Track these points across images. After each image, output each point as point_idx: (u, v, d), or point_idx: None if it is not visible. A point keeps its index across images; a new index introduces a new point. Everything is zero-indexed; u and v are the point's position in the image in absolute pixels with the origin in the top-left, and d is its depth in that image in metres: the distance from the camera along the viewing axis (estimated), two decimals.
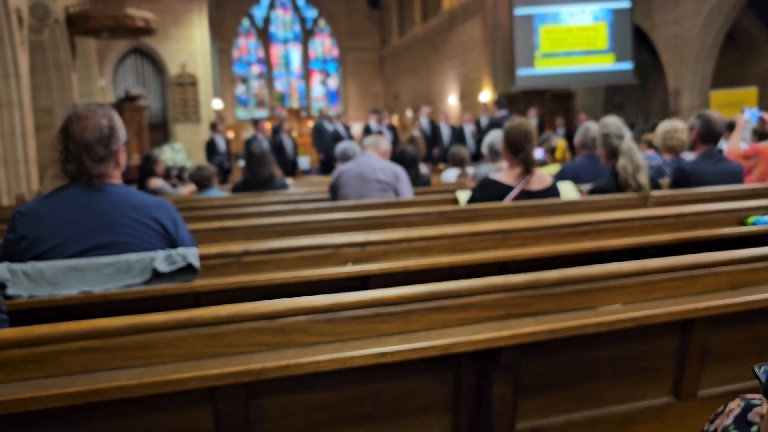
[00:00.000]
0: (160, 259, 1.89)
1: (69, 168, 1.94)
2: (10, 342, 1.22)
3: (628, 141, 3.31)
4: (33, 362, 1.22)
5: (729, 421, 1.14)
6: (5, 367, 1.21)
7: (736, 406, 1.15)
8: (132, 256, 1.88)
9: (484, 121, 11.27)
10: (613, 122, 3.47)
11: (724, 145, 4.72)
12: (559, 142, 5.26)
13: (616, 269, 1.62)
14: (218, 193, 5.37)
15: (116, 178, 2.02)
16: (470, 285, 1.48)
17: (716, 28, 11.58)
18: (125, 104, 10.31)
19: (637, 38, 13.00)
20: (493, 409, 1.48)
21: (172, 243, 2.02)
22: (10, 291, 1.78)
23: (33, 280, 1.82)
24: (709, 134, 3.57)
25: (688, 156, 4.10)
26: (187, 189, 6.19)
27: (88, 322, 1.26)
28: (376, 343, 1.34)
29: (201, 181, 5.30)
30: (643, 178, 3.25)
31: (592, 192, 3.50)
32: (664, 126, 4.22)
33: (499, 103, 10.90)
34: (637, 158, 3.27)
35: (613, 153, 3.40)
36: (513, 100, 13.64)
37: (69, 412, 1.21)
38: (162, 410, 1.29)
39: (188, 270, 1.92)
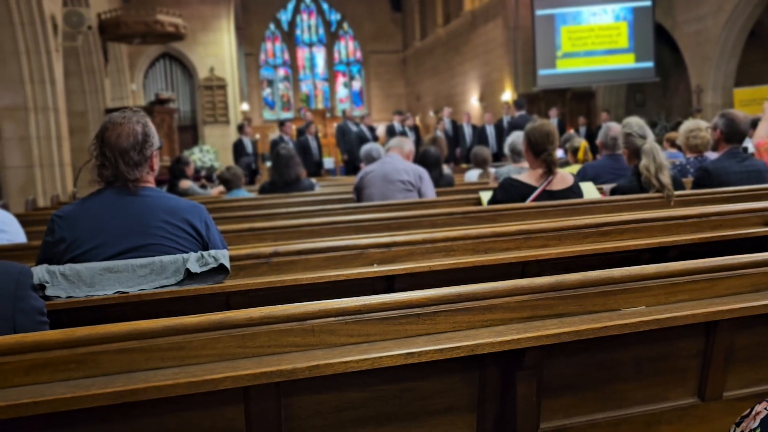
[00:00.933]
0: (193, 261, 1.94)
1: (105, 173, 2.01)
2: (53, 343, 1.26)
3: (650, 141, 3.30)
4: (73, 363, 1.26)
5: (755, 424, 1.15)
6: (47, 367, 1.25)
7: (762, 409, 1.16)
8: (166, 258, 1.94)
9: (505, 121, 11.24)
10: (636, 122, 3.47)
11: (749, 143, 4.66)
12: (581, 143, 5.24)
13: (639, 272, 1.63)
14: (245, 193, 5.45)
15: (150, 182, 2.08)
16: (495, 287, 1.51)
17: (739, 25, 11.41)
18: (156, 107, 10.48)
19: (658, 36, 12.86)
20: (518, 409, 1.50)
21: (204, 245, 2.07)
22: (49, 292, 1.85)
23: (71, 281, 1.88)
24: (733, 133, 3.54)
25: (712, 155, 4.07)
26: (216, 190, 6.29)
27: (126, 324, 1.30)
28: (403, 344, 1.37)
29: (229, 180, 5.39)
30: (666, 178, 3.24)
31: (614, 192, 3.49)
32: (687, 125, 4.19)
33: (518, 103, 10.87)
34: (660, 158, 3.26)
35: (636, 153, 3.39)
36: (534, 99, 13.57)
37: (107, 411, 1.24)
38: (196, 409, 1.32)
39: (220, 271, 1.97)
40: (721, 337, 1.66)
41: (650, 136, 3.34)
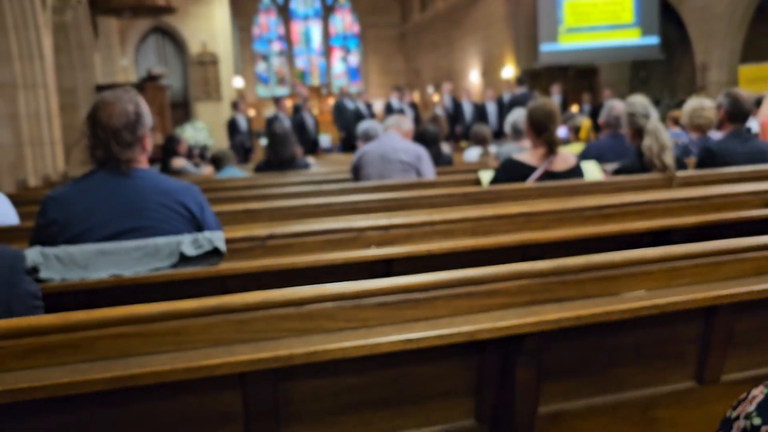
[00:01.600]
0: (187, 243, 1.92)
1: (97, 153, 1.98)
2: (49, 328, 1.25)
3: (654, 121, 3.27)
4: (70, 347, 1.26)
5: (752, 407, 1.14)
6: (44, 352, 1.25)
7: (759, 392, 1.15)
8: (160, 240, 1.92)
9: (506, 98, 11.16)
10: (640, 101, 3.43)
11: (752, 123, 4.63)
12: (584, 122, 5.21)
13: (640, 256, 1.62)
14: (238, 172, 5.41)
15: (143, 162, 2.06)
16: (495, 272, 1.49)
17: (746, 1, 11.27)
18: (147, 84, 10.36)
19: (663, 12, 12.71)
20: (516, 394, 1.50)
21: (199, 227, 2.05)
22: (43, 274, 1.84)
23: (64, 263, 1.86)
24: (737, 113, 3.51)
25: (715, 135, 4.04)
26: (208, 169, 6.26)
27: (122, 308, 1.30)
28: (402, 330, 1.36)
29: (220, 159, 5.37)
30: (669, 159, 3.22)
31: (616, 172, 3.47)
32: (691, 104, 4.15)
33: (519, 79, 10.79)
34: (663, 138, 3.23)
35: (639, 132, 3.37)
36: (536, 76, 13.46)
37: (104, 396, 1.24)
38: (193, 394, 1.33)
39: (214, 253, 1.95)
40: (721, 321, 1.66)
41: (654, 115, 3.31)
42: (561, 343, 1.55)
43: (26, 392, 1.16)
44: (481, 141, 6.16)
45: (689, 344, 1.68)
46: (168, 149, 6.39)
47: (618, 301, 1.53)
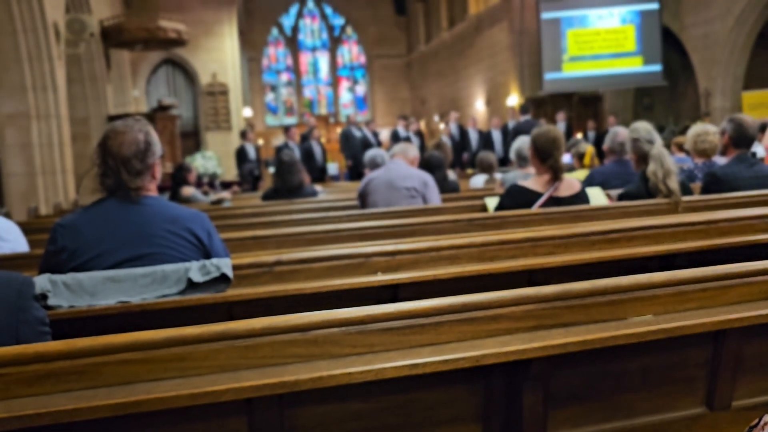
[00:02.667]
0: (195, 270, 1.93)
1: (107, 182, 2.00)
2: (55, 354, 1.25)
3: (658, 146, 3.29)
4: (75, 374, 1.26)
5: None
6: (49, 378, 1.25)
7: None
8: (167, 267, 1.93)
9: (511, 125, 11.22)
10: (644, 127, 3.46)
11: (757, 148, 4.63)
12: (588, 148, 5.23)
13: (646, 280, 1.61)
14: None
15: (152, 190, 2.08)
16: (500, 296, 1.49)
17: (748, 28, 11.37)
18: (158, 114, 10.51)
19: (666, 39, 12.82)
20: (524, 420, 1.48)
21: (206, 253, 2.07)
22: (51, 301, 1.84)
23: (73, 290, 1.87)
24: (741, 138, 3.52)
25: (720, 160, 4.05)
26: (226, 193, 6.32)
27: (127, 335, 1.30)
28: (407, 355, 1.35)
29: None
30: (674, 184, 3.22)
31: (621, 197, 3.48)
32: (695, 129, 4.17)
33: (523, 107, 10.85)
34: (667, 163, 3.24)
35: (644, 158, 3.38)
36: (541, 103, 13.54)
37: (109, 423, 1.24)
38: (198, 420, 1.32)
39: (222, 280, 1.96)
40: (729, 345, 1.64)
41: (658, 141, 3.33)
42: (568, 368, 1.54)
43: (32, 419, 1.16)
44: (487, 168, 6.19)
45: (698, 369, 1.66)
46: (178, 178, 6.46)
47: (625, 325, 1.52)
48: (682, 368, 1.65)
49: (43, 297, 1.83)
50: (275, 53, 22.55)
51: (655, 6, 12.68)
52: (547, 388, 1.50)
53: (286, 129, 10.32)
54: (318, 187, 6.22)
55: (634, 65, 12.96)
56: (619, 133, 4.10)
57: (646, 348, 1.58)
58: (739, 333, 1.63)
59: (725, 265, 1.70)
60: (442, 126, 15.77)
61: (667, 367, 1.63)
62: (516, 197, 3.25)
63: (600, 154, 5.33)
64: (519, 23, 14.46)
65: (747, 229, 2.67)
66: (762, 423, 1.14)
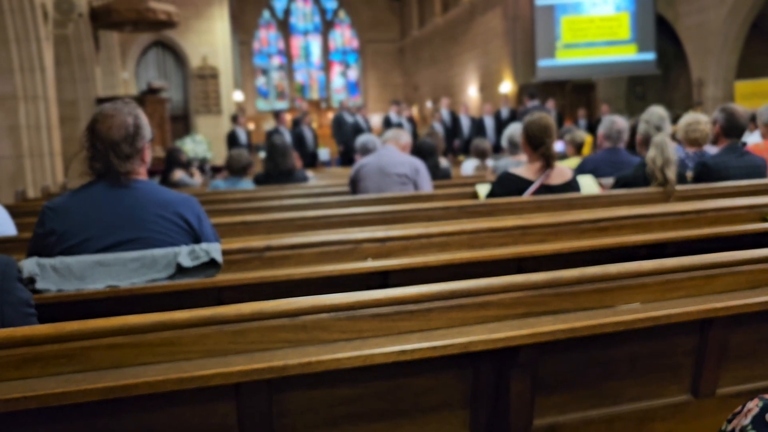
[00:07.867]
0: (184, 255, 1.93)
1: (96, 165, 1.98)
2: (42, 338, 1.25)
3: (662, 134, 3.28)
4: (63, 357, 1.26)
5: (747, 420, 1.14)
6: (37, 362, 1.25)
7: (754, 406, 1.15)
8: (157, 252, 1.92)
9: (504, 112, 11.22)
10: (658, 113, 3.45)
11: (748, 138, 4.66)
12: (586, 138, 5.24)
13: (635, 268, 1.62)
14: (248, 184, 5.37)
15: (142, 174, 2.06)
16: (489, 283, 1.50)
17: (741, 17, 11.38)
18: (147, 97, 10.40)
19: (659, 28, 12.82)
20: (511, 406, 1.50)
21: (196, 238, 2.06)
22: (39, 285, 1.83)
23: (61, 274, 1.86)
24: (732, 128, 3.54)
25: (711, 149, 4.06)
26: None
27: (116, 319, 1.30)
28: (396, 341, 1.36)
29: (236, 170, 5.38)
30: (672, 174, 3.22)
31: (617, 181, 3.48)
32: (687, 119, 4.17)
33: (531, 93, 10.77)
34: (668, 152, 3.23)
35: (647, 142, 3.39)
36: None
37: (97, 406, 1.24)
38: (187, 405, 1.32)
39: (211, 265, 1.95)
40: (716, 333, 1.66)
41: (666, 129, 3.33)
42: (556, 355, 1.55)
43: (20, 402, 1.16)
44: (481, 154, 6.20)
45: (684, 357, 1.68)
46: (170, 161, 6.42)
47: (613, 313, 1.53)
48: (669, 356, 1.67)
49: (31, 280, 1.82)
50: (267, 36, 22.36)
51: None
52: (535, 375, 1.51)
53: (277, 114, 10.27)
54: (309, 173, 6.20)
55: (628, 53, 12.96)
56: (616, 121, 4.11)
57: (634, 336, 1.59)
58: (725, 322, 1.65)
59: (712, 254, 1.71)
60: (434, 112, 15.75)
61: (654, 354, 1.65)
62: (507, 185, 3.26)
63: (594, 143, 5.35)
64: (513, 9, 14.41)
65: (736, 219, 2.69)
66: (745, 410, 1.16)
